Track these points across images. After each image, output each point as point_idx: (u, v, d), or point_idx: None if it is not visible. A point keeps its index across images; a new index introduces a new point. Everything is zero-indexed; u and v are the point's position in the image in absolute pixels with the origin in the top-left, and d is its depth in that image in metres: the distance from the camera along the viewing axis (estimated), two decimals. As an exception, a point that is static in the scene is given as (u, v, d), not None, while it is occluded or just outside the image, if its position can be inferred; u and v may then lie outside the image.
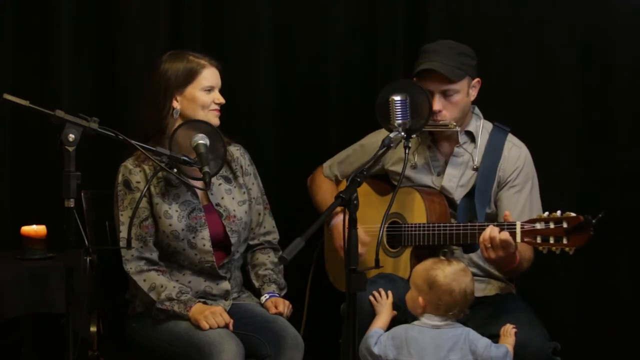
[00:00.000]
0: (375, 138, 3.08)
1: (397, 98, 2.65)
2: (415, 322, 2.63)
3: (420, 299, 2.60)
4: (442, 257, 2.65)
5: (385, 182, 3.09)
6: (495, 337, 2.67)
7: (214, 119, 2.85)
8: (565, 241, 2.51)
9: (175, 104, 2.83)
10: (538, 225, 2.56)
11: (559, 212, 2.55)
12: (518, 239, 2.59)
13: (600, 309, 3.47)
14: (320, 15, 3.63)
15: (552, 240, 2.53)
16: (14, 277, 3.00)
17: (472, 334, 2.61)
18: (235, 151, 3.00)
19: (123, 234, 2.79)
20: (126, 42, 3.61)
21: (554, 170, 3.36)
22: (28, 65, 3.63)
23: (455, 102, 2.86)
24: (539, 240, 2.56)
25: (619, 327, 3.46)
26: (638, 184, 3.43)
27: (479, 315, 2.75)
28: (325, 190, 3.18)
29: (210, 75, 2.86)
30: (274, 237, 3.06)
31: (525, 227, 2.58)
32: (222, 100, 2.87)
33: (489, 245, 2.61)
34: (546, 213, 2.57)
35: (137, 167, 2.84)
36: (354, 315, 2.23)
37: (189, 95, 2.83)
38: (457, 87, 2.85)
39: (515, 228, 2.60)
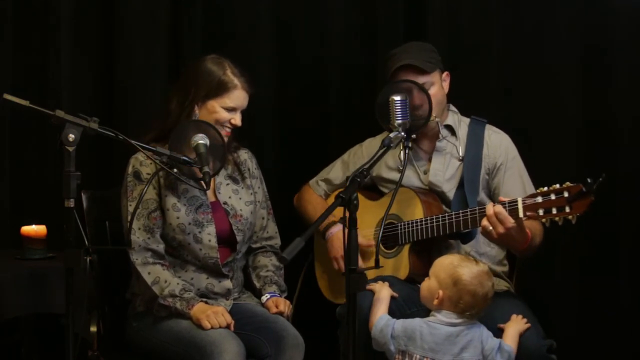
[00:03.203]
0: (356, 151, 3.15)
1: (397, 98, 2.66)
2: (431, 319, 2.61)
3: (440, 292, 2.58)
4: (469, 255, 2.65)
5: (373, 192, 3.10)
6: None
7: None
8: (567, 209, 2.52)
9: (196, 109, 2.84)
10: (539, 199, 2.57)
11: (557, 185, 2.55)
12: (520, 214, 2.59)
13: (599, 308, 3.47)
14: (320, 15, 3.63)
15: (554, 211, 2.54)
16: (14, 277, 2.99)
17: (485, 332, 2.61)
18: (244, 154, 3.02)
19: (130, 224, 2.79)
20: (126, 42, 3.61)
21: (554, 170, 3.36)
22: (28, 65, 3.64)
23: (433, 94, 2.87)
24: (541, 212, 2.56)
25: (617, 326, 3.46)
26: (638, 184, 3.42)
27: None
28: (316, 205, 3.18)
29: (237, 98, 2.86)
30: (276, 242, 3.06)
31: (526, 202, 2.59)
32: (238, 123, 2.87)
33: (495, 219, 2.61)
34: (545, 187, 2.58)
35: (148, 159, 2.83)
36: (354, 316, 2.23)
37: (210, 107, 2.84)
38: (431, 79, 2.90)
39: (517, 204, 2.60)
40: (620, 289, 3.46)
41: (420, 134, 2.97)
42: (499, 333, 2.67)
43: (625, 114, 3.46)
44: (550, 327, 2.77)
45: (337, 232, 2.98)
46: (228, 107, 2.85)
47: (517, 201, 2.61)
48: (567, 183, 2.54)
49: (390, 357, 2.62)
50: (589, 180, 2.47)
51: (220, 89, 2.84)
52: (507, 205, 2.62)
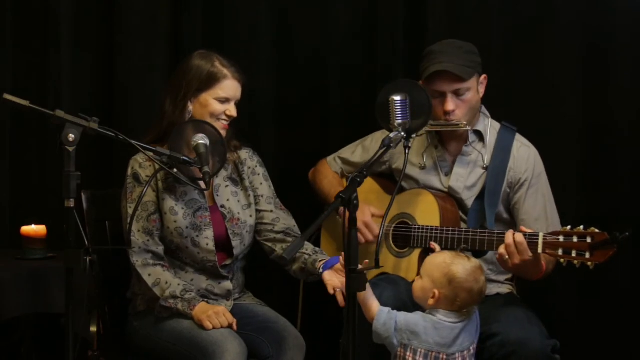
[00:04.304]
0: (379, 138, 3.07)
1: (397, 98, 2.65)
2: (433, 317, 2.60)
3: (436, 291, 2.56)
4: (460, 252, 2.65)
5: (393, 183, 3.09)
6: (495, 336, 2.67)
7: (219, 130, 2.84)
8: (587, 256, 2.50)
9: (190, 106, 2.84)
10: (561, 238, 2.55)
11: (582, 227, 2.54)
12: (540, 249, 2.58)
13: (600, 308, 3.47)
14: (321, 15, 3.63)
15: (574, 254, 2.52)
16: (14, 277, 3.00)
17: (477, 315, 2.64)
18: (244, 153, 3.01)
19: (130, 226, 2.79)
20: (126, 42, 3.61)
21: (554, 170, 3.35)
22: (28, 65, 3.64)
23: (468, 100, 2.86)
24: (560, 252, 2.55)
25: (618, 326, 3.45)
26: (638, 184, 3.42)
27: (479, 314, 2.75)
28: (332, 179, 3.16)
29: (228, 87, 2.85)
30: (295, 229, 3.02)
31: (547, 238, 2.57)
32: (233, 114, 2.87)
33: (513, 249, 2.59)
34: (569, 227, 2.56)
35: (148, 162, 2.84)
36: (354, 315, 2.23)
37: (202, 100, 2.84)
38: (468, 85, 2.85)
39: (537, 239, 2.59)
40: (621, 290, 3.45)
41: (448, 137, 2.96)
42: (500, 333, 2.67)
43: (625, 113, 3.45)
44: (551, 329, 2.76)
45: None
46: (220, 98, 2.84)
47: (538, 236, 2.59)
48: (593, 228, 2.52)
49: (392, 350, 2.61)
50: (617, 234, 2.45)
51: (211, 80, 2.83)
52: (527, 237, 2.60)
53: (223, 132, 2.84)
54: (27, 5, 3.63)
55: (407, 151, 2.64)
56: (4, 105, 2.32)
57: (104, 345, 2.91)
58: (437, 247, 2.74)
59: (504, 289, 2.97)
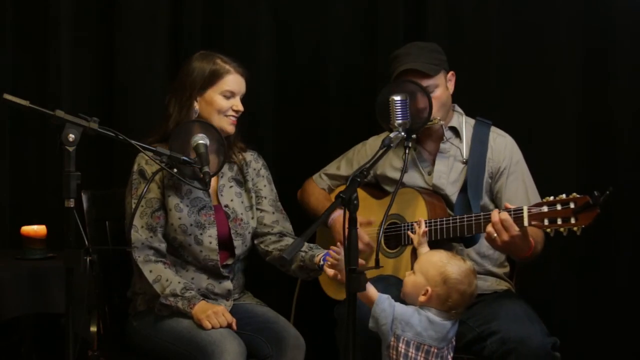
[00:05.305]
0: (360, 149, 3.15)
1: (397, 98, 2.66)
2: (426, 313, 2.60)
3: (429, 289, 2.58)
4: (456, 253, 2.66)
5: (377, 190, 3.10)
6: (495, 334, 2.67)
7: (228, 126, 2.85)
8: (573, 221, 2.52)
9: (196, 105, 2.84)
10: (545, 208, 2.57)
11: (564, 195, 2.55)
12: (525, 222, 2.59)
13: (599, 306, 3.47)
14: (320, 15, 3.63)
15: (559, 222, 2.54)
16: (14, 277, 2.99)
17: None
18: (249, 156, 3.02)
19: (134, 222, 2.80)
20: (126, 42, 3.61)
21: (554, 170, 3.36)
22: (28, 65, 3.64)
23: (438, 96, 2.89)
24: (546, 222, 2.56)
25: (618, 324, 3.46)
26: (638, 184, 3.42)
27: (478, 313, 2.76)
28: (318, 195, 3.19)
29: (232, 81, 2.86)
30: (290, 234, 3.01)
31: (532, 210, 2.59)
32: (240, 108, 2.87)
33: (500, 227, 2.61)
34: (551, 197, 2.58)
35: None
36: (353, 316, 2.23)
37: (208, 98, 2.84)
38: (436, 81, 2.90)
39: (522, 213, 2.60)
40: (619, 288, 3.46)
41: (424, 135, 2.98)
42: (500, 331, 2.67)
43: (625, 114, 3.45)
44: (550, 326, 2.76)
45: (338, 217, 2.94)
46: (225, 92, 2.85)
47: (522, 209, 2.60)
48: (574, 194, 2.53)
49: (386, 338, 2.60)
50: (596, 193, 2.47)
51: (214, 77, 2.84)
52: (512, 213, 2.62)
53: (232, 128, 2.86)
54: (27, 5, 3.63)
55: (407, 151, 2.65)
56: (4, 105, 2.32)
57: (104, 345, 2.91)
58: (422, 222, 2.78)
59: (502, 286, 2.97)
